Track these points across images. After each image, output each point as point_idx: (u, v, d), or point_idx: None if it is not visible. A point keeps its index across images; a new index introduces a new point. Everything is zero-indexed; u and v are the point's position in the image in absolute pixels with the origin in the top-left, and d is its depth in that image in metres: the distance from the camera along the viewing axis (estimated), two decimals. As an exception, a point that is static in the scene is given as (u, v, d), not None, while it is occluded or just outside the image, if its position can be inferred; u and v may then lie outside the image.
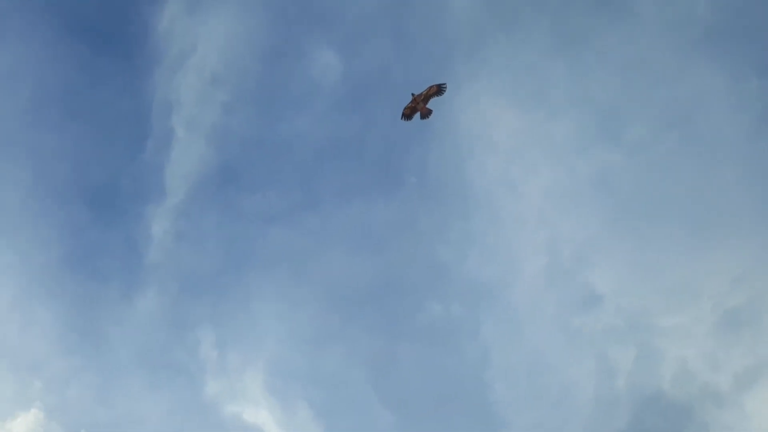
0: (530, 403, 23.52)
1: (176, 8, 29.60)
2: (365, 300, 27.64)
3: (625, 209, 25.40)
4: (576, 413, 22.81)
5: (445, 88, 15.77)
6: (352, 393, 26.37)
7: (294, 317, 28.17)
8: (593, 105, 26.32)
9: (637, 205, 25.31)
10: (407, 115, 16.22)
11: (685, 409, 21.40)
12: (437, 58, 27.72)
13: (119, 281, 29.55)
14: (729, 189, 24.33)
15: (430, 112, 16.12)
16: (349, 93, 29.32)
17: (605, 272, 24.50)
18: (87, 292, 29.24)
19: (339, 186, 29.12)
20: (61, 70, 30.62)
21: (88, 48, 30.77)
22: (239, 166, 30.53)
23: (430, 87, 15.95)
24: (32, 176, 29.51)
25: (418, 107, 16.15)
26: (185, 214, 29.88)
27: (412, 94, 16.02)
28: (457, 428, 24.17)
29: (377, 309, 27.52)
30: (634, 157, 25.70)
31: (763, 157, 24.10)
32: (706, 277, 23.16)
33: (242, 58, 29.87)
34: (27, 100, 29.99)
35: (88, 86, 31.15)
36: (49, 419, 26.63)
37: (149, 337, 28.50)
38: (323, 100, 29.72)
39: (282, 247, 29.15)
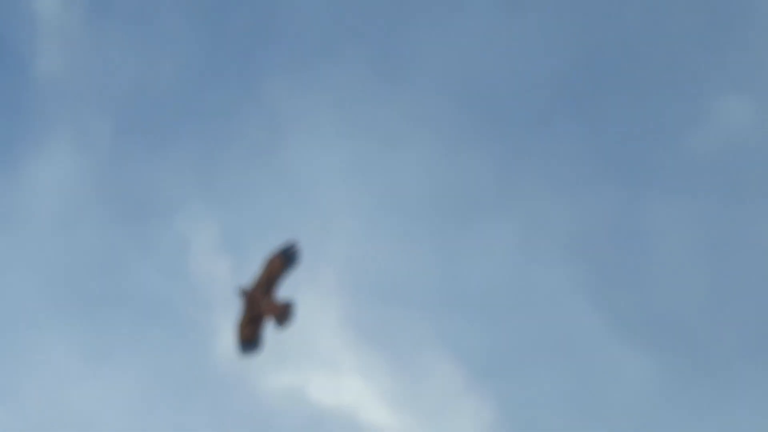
0: None
1: None
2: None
3: None
4: None
5: (296, 251, 6.09)
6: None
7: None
8: None
9: None
10: (246, 339, 6.35)
11: None
12: None
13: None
14: None
15: (286, 308, 7.58)
16: None
17: None
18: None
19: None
20: None
21: None
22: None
23: (271, 261, 6.22)
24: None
25: (261, 309, 7.67)
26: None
27: (240, 289, 7.49)
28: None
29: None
30: None
31: None
32: None
33: None
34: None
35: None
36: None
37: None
38: None
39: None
